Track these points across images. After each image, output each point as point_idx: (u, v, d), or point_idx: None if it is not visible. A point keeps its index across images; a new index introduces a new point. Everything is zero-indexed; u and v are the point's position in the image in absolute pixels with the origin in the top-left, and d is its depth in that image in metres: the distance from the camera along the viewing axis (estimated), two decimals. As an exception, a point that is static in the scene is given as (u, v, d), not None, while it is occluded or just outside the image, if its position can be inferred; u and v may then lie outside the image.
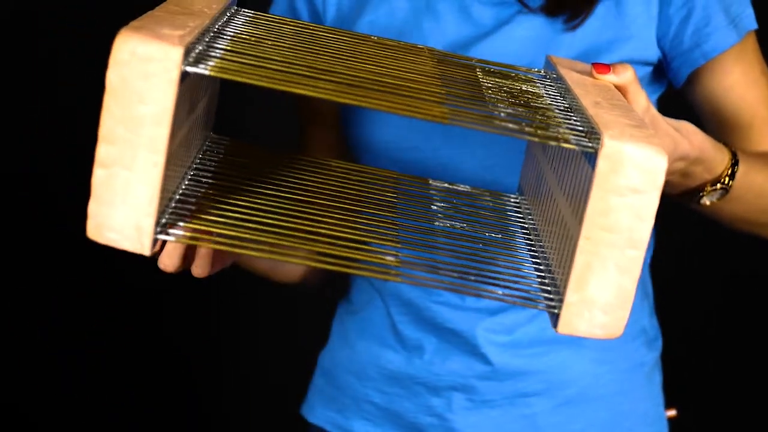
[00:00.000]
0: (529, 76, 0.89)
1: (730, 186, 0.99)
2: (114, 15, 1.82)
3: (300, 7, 1.14)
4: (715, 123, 1.11)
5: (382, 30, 1.08)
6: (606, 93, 0.81)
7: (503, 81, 0.84)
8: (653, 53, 1.07)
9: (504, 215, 0.90)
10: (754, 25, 1.09)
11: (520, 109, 0.76)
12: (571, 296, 0.72)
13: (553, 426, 1.13)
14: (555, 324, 0.73)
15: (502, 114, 0.73)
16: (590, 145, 0.71)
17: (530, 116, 0.74)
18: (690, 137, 0.92)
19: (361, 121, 1.10)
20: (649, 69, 1.08)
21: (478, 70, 0.87)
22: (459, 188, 0.94)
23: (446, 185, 0.94)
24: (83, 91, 1.83)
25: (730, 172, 0.98)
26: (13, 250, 1.93)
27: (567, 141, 0.71)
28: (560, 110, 0.78)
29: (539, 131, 0.72)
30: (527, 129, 0.72)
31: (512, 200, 0.94)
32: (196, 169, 0.85)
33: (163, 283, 2.00)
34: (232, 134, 0.94)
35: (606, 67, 0.85)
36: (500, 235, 0.84)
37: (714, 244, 1.72)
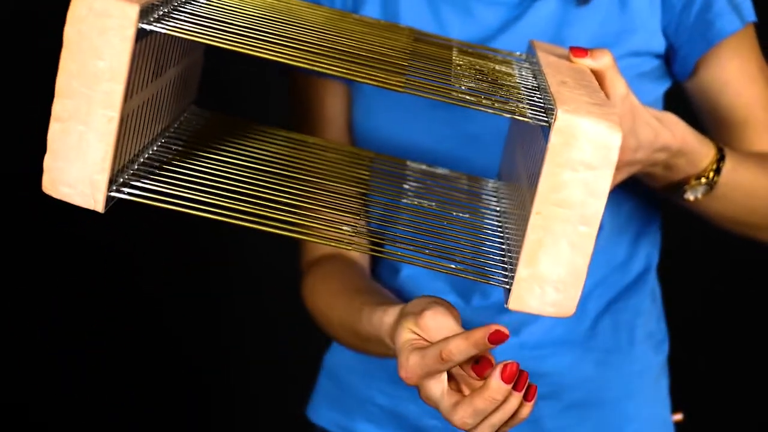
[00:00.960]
0: (508, 58, 0.89)
1: (715, 181, 0.98)
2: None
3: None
4: (712, 121, 1.10)
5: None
6: (577, 75, 0.81)
7: (477, 60, 0.84)
8: (660, 44, 1.06)
9: (477, 198, 0.90)
10: (754, 17, 1.08)
11: (483, 85, 0.75)
12: (522, 271, 0.71)
13: (558, 429, 1.12)
14: (507, 300, 0.72)
15: (463, 87, 0.73)
16: (545, 119, 0.70)
17: (492, 91, 0.74)
18: (672, 128, 0.91)
19: (366, 115, 1.09)
20: (658, 62, 1.08)
21: (455, 50, 0.87)
22: (436, 171, 0.94)
23: (423, 167, 0.94)
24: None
25: (715, 167, 0.97)
26: (13, 250, 1.94)
27: (523, 115, 0.71)
28: (526, 89, 0.78)
29: (496, 104, 0.71)
30: (484, 101, 0.71)
31: (489, 185, 0.93)
32: (168, 136, 0.85)
33: (165, 283, 2.02)
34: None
35: (583, 51, 0.84)
36: (467, 216, 0.84)
37: (724, 248, 1.70)
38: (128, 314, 2.01)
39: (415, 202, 0.85)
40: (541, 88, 0.77)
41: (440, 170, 0.94)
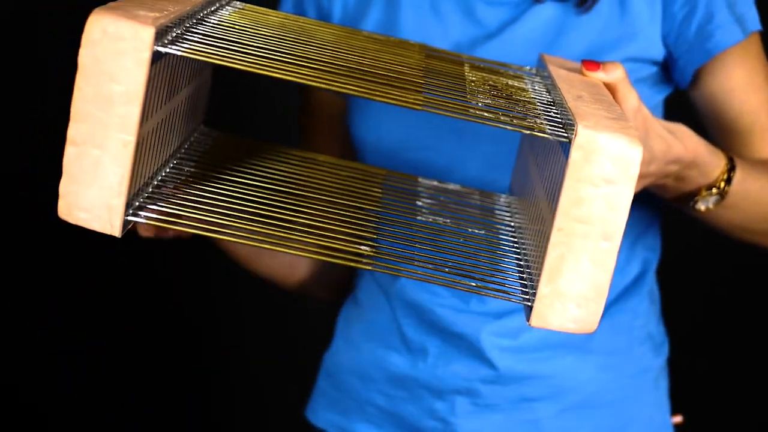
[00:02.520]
0: (519, 72, 0.89)
1: (726, 191, 0.98)
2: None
3: (307, 7, 1.14)
4: (717, 128, 1.10)
5: (386, 29, 1.08)
6: (592, 89, 0.81)
7: (489, 75, 0.84)
8: (659, 52, 1.06)
9: (491, 213, 0.89)
10: (759, 26, 1.07)
11: (500, 101, 0.75)
12: (543, 288, 0.70)
13: (557, 431, 1.12)
14: (528, 317, 0.72)
15: (480, 104, 0.73)
16: (564, 134, 0.70)
17: (509, 107, 0.74)
18: (684, 140, 0.91)
19: (366, 123, 1.10)
20: (655, 69, 1.08)
21: (466, 65, 0.87)
22: (448, 187, 0.93)
23: (435, 183, 0.93)
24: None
25: (726, 177, 0.97)
26: (13, 249, 1.94)
27: (542, 131, 0.71)
28: (542, 104, 0.77)
29: (515, 120, 0.71)
30: (502, 118, 0.71)
31: (502, 200, 0.93)
32: (180, 158, 0.85)
33: (165, 283, 2.02)
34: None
35: (596, 65, 0.85)
36: (483, 232, 0.84)
37: (722, 250, 1.70)
38: (129, 315, 2.01)
39: (430, 219, 0.84)
40: (557, 103, 0.77)
41: (452, 186, 0.93)
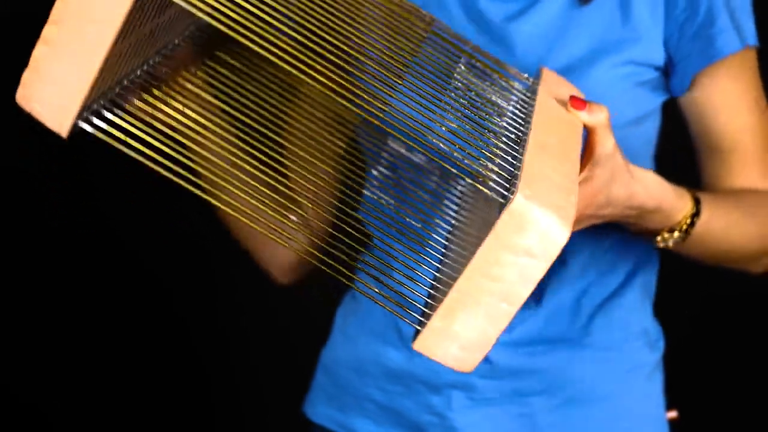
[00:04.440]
0: (512, 82, 0.88)
1: (689, 232, 0.98)
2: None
3: None
4: (701, 144, 1.10)
5: None
6: (566, 131, 0.80)
7: (477, 82, 0.83)
8: (660, 56, 1.06)
9: (439, 201, 0.90)
10: (756, 42, 1.06)
11: (466, 127, 0.75)
12: (436, 321, 0.73)
13: (552, 425, 1.12)
14: (413, 338, 0.74)
15: (443, 129, 0.73)
16: (503, 193, 0.71)
17: (470, 138, 0.74)
18: (650, 189, 0.91)
19: None
20: (657, 74, 1.07)
21: (462, 62, 0.86)
22: (413, 158, 0.93)
23: (403, 151, 0.94)
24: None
25: (689, 221, 0.98)
26: (13, 249, 1.93)
27: (485, 181, 0.71)
28: (507, 139, 0.78)
29: (466, 160, 0.72)
30: (456, 153, 0.72)
31: (459, 187, 0.93)
32: (157, 62, 0.84)
33: (163, 280, 1.99)
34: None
35: (582, 104, 0.84)
36: (420, 225, 0.85)
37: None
38: (128, 314, 2.01)
39: (375, 196, 0.85)
40: (521, 143, 0.77)
41: (417, 158, 0.94)
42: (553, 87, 0.88)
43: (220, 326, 2.06)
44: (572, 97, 0.84)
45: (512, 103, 0.84)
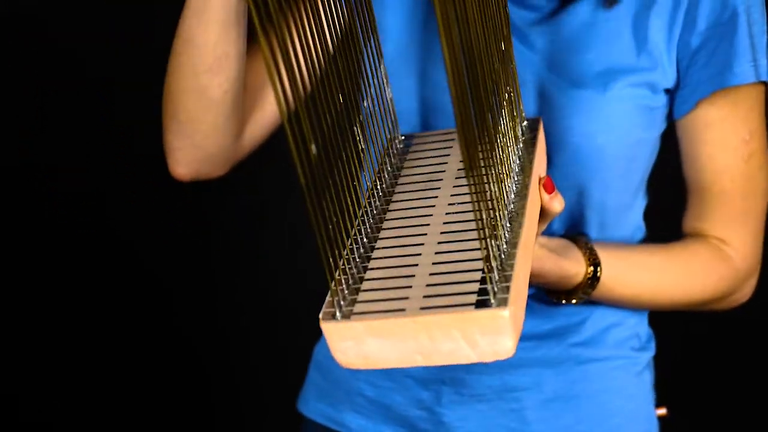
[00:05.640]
0: (518, 130, 0.91)
1: (588, 293, 1.04)
2: (113, 15, 1.79)
3: None
4: (686, 171, 1.10)
5: (412, 18, 1.08)
6: (535, 212, 0.85)
7: (505, 122, 0.85)
8: (672, 78, 1.05)
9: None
10: (766, 77, 1.06)
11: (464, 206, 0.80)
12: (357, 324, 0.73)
13: (541, 420, 1.13)
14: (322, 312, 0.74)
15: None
16: (487, 298, 0.71)
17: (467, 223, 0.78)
18: (546, 275, 0.98)
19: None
20: (667, 98, 1.06)
21: (505, 95, 0.88)
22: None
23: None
24: (84, 91, 1.81)
25: (586, 290, 1.04)
26: (13, 249, 1.94)
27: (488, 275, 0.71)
28: (508, 212, 0.80)
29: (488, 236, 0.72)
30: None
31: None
32: None
33: (163, 280, 2.00)
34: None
35: (551, 188, 0.88)
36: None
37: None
38: (127, 314, 2.03)
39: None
40: (516, 219, 0.80)
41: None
42: (540, 152, 0.92)
43: (220, 326, 2.07)
44: (548, 179, 0.88)
45: (519, 154, 0.88)
